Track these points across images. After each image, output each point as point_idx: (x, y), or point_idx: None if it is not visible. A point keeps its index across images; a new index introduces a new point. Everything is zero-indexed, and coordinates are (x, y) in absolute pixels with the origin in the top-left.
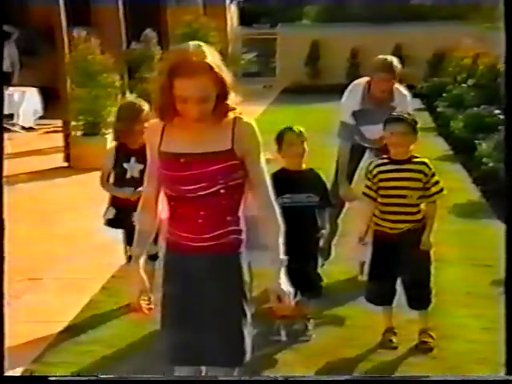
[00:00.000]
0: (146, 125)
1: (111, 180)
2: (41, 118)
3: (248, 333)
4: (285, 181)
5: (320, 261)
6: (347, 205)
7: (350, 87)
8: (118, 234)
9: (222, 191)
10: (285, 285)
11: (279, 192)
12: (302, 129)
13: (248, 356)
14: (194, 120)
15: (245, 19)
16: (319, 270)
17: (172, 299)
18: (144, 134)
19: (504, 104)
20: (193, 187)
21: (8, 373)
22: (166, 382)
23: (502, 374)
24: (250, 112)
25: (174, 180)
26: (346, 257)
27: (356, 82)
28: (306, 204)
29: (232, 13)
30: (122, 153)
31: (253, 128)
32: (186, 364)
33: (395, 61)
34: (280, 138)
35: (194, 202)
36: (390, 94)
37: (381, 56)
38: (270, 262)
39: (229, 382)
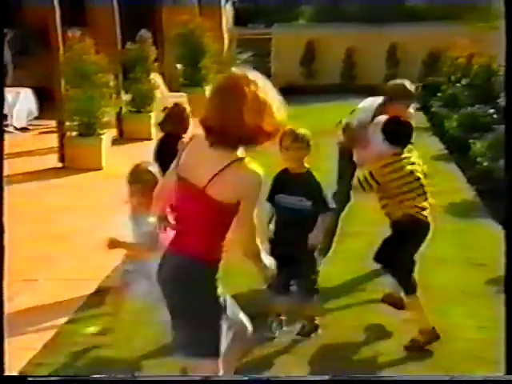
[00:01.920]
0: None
1: None
2: (35, 118)
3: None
4: (282, 181)
5: (314, 262)
6: (350, 203)
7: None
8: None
9: None
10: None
11: (277, 191)
12: (304, 131)
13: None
14: None
15: (240, 19)
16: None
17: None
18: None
19: (499, 103)
20: None
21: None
22: (160, 381)
23: (501, 374)
24: None
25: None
26: (345, 256)
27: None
28: (297, 207)
29: (227, 13)
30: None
31: None
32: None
33: (409, 84)
34: (279, 140)
35: None
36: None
37: (399, 81)
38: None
39: (228, 382)
